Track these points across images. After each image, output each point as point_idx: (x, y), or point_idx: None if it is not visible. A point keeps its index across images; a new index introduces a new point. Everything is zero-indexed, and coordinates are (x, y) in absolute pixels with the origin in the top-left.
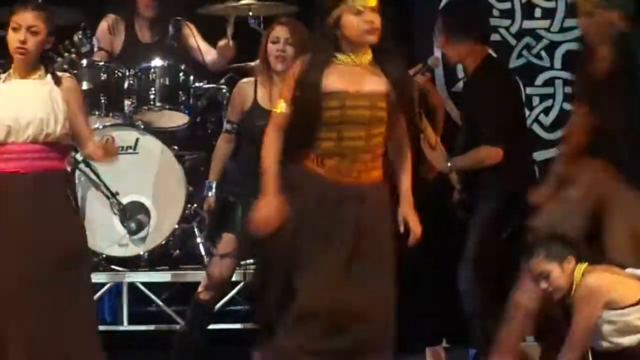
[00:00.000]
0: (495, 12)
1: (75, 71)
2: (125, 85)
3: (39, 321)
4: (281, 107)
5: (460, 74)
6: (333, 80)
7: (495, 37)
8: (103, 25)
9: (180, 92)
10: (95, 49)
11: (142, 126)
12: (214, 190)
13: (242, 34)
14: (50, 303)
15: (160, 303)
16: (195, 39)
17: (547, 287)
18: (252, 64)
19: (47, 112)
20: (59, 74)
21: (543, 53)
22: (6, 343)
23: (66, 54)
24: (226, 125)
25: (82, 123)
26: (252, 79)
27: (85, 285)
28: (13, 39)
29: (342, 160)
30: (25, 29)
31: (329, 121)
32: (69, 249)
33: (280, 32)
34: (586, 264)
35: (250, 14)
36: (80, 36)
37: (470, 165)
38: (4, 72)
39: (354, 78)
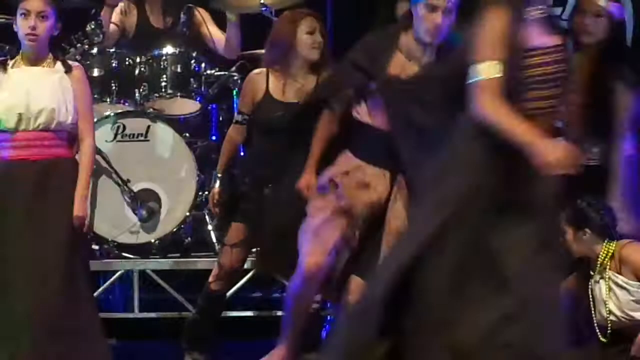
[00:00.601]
0: None
1: (87, 62)
2: (137, 72)
3: (41, 305)
4: (490, 69)
5: None
6: (534, 33)
7: None
8: (118, 7)
9: (191, 80)
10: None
11: (154, 113)
12: (219, 181)
13: (254, 22)
14: (51, 287)
15: (172, 290)
16: (206, 26)
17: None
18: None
19: (58, 100)
20: (69, 62)
21: None
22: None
23: (78, 45)
24: (237, 117)
25: (83, 114)
26: (263, 69)
27: (86, 272)
28: (23, 25)
29: (553, 120)
30: (35, 14)
31: (540, 78)
32: (73, 236)
33: (314, 22)
34: (614, 242)
35: (262, 1)
36: (92, 26)
37: None
38: (11, 58)
39: (545, 31)
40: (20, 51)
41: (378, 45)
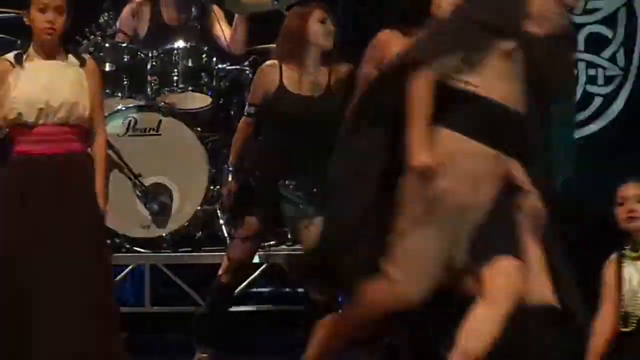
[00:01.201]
0: None
1: (100, 53)
2: (148, 66)
3: (60, 301)
4: None
5: None
6: None
7: None
8: (127, 9)
9: (203, 74)
10: (116, 29)
11: (165, 108)
12: (231, 175)
13: (266, 17)
14: (73, 285)
15: (183, 285)
16: (220, 24)
17: (634, 210)
18: (276, 46)
19: (76, 94)
20: (81, 55)
21: None
22: (28, 319)
23: (92, 37)
24: (248, 109)
25: (98, 107)
26: (275, 61)
27: (108, 269)
28: (40, 19)
29: None
30: (52, 9)
31: None
32: (93, 231)
33: (324, 12)
34: None
35: None
36: (106, 18)
37: None
38: (24, 52)
39: None
40: (32, 45)
41: (504, 2)
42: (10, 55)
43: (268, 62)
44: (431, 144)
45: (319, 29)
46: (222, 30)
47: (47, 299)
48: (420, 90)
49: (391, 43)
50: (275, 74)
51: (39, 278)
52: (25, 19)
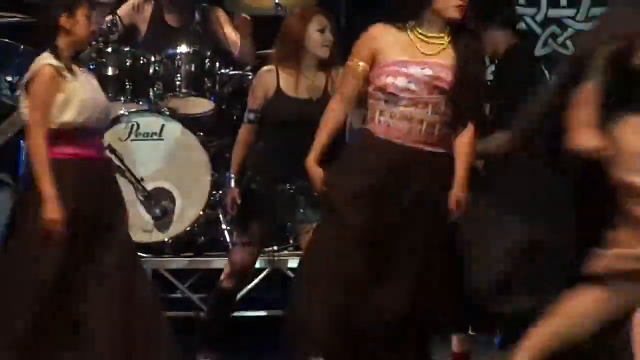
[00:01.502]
0: (522, 1)
1: (102, 59)
2: (151, 71)
3: (114, 304)
4: None
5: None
6: None
7: (520, 25)
8: (129, 2)
9: (206, 79)
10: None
11: (168, 113)
12: (234, 183)
13: (270, 23)
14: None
15: (185, 290)
16: (223, 29)
17: None
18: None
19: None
20: None
21: (569, 42)
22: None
23: (94, 42)
24: (249, 116)
25: None
26: (272, 67)
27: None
28: (88, 27)
29: None
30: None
31: None
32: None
33: (324, 21)
34: None
35: (277, 1)
36: (109, 25)
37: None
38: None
39: None
40: (59, 50)
41: None
42: (52, 60)
43: (265, 68)
44: (596, 129)
45: (318, 38)
46: (226, 34)
47: (98, 298)
48: (594, 77)
49: (382, 37)
50: (272, 79)
51: (92, 278)
52: (62, 23)
